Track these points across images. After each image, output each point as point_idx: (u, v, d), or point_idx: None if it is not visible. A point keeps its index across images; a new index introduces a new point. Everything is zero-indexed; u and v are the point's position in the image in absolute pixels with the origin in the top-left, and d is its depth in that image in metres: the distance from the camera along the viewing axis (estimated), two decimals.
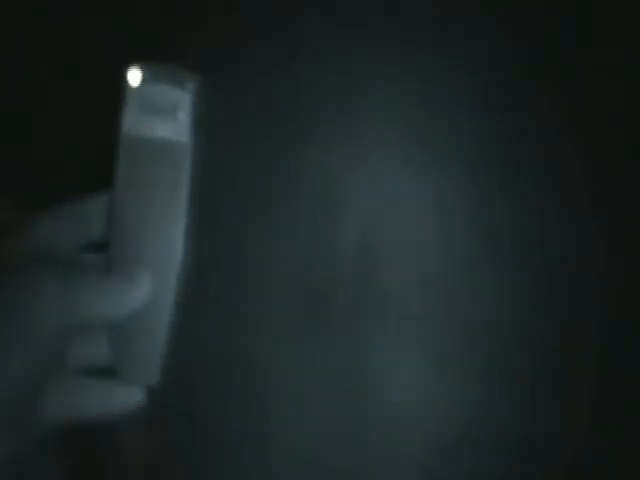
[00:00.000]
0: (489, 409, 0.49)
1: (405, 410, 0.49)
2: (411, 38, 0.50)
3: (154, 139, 0.39)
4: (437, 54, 0.50)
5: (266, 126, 0.50)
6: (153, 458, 0.49)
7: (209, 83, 0.40)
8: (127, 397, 0.40)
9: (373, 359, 0.49)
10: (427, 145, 0.50)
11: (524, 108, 0.49)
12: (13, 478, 0.36)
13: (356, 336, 0.49)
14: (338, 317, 0.49)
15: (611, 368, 0.49)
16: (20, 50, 0.51)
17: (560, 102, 0.50)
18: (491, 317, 0.49)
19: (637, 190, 0.49)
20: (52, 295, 0.36)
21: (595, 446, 0.48)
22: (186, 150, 0.39)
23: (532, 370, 0.49)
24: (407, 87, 0.50)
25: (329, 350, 0.49)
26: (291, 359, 0.49)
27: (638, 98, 0.50)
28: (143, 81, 0.39)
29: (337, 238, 0.50)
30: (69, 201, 0.40)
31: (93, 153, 0.49)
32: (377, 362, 0.49)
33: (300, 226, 0.50)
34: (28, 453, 0.37)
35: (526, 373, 0.49)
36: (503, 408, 0.49)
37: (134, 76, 0.39)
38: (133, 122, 0.39)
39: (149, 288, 0.39)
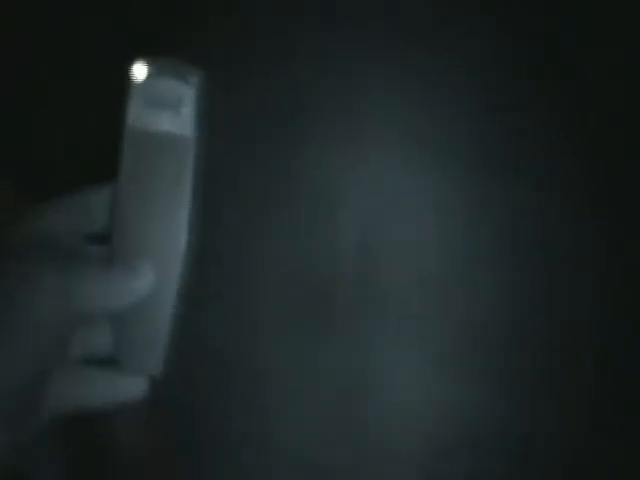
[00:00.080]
0: (489, 409, 0.49)
1: (405, 410, 0.49)
2: (411, 38, 0.50)
3: (158, 133, 0.39)
4: (437, 54, 0.50)
5: (266, 126, 0.50)
6: (153, 449, 0.49)
7: (209, 83, 0.40)
8: (130, 387, 0.40)
9: (373, 359, 0.49)
10: (427, 145, 0.50)
11: (524, 108, 0.49)
12: (13, 467, 0.36)
13: (356, 336, 0.49)
14: (338, 317, 0.49)
15: (611, 368, 0.49)
16: (20, 50, 0.51)
17: (560, 102, 0.50)
18: (491, 317, 0.49)
19: (637, 190, 0.49)
20: (53, 286, 0.36)
21: (595, 446, 0.48)
22: (190, 144, 0.39)
23: (532, 370, 0.49)
24: (407, 87, 0.50)
25: (329, 350, 0.49)
26: (291, 359, 0.49)
27: (638, 98, 0.50)
28: (148, 75, 0.39)
29: (337, 238, 0.50)
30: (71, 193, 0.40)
31: (93, 154, 0.50)
32: (377, 362, 0.49)
33: (300, 226, 0.50)
34: (29, 442, 0.37)
35: (526, 373, 0.49)
36: (503, 408, 0.49)
37: (139, 70, 0.39)
38: (137, 116, 0.39)
39: (151, 280, 0.39)
